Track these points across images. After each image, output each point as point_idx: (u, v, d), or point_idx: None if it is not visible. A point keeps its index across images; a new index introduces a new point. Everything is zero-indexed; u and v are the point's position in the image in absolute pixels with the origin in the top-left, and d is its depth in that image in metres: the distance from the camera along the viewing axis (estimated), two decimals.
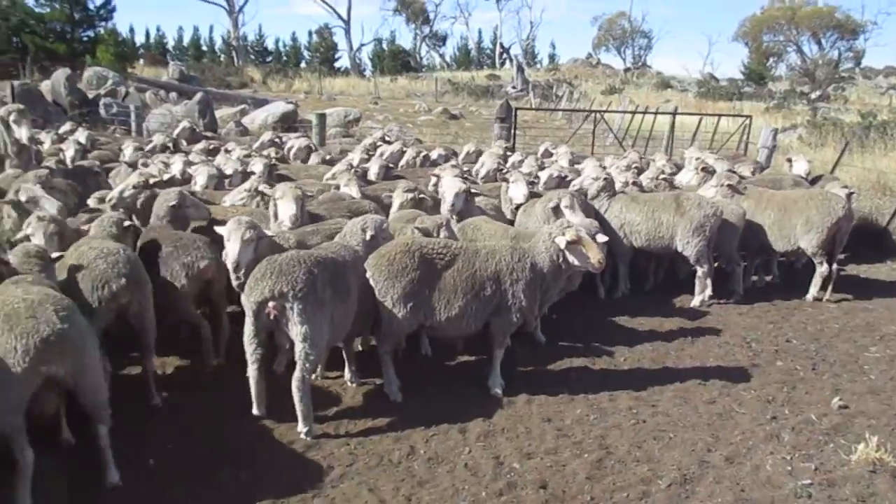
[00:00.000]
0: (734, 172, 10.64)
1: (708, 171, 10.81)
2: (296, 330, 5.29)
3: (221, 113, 23.31)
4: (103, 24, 49.56)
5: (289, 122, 22.24)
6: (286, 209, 6.78)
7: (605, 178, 8.97)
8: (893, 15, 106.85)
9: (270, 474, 4.95)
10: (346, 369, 6.38)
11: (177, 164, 8.63)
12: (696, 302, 8.77)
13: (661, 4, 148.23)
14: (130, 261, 5.49)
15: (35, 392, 4.17)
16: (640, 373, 6.84)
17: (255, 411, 5.63)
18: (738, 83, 61.54)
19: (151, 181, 7.09)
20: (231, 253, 5.71)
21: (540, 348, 7.33)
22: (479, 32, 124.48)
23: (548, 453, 5.29)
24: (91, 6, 47.71)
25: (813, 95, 52.63)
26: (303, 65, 67.85)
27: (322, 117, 15.03)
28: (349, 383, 6.35)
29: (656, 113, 22.51)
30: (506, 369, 6.46)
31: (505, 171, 9.99)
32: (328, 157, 12.47)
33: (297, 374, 5.32)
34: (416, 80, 56.64)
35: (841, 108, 40.90)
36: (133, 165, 9.28)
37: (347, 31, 72.25)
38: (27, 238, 5.85)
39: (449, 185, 7.95)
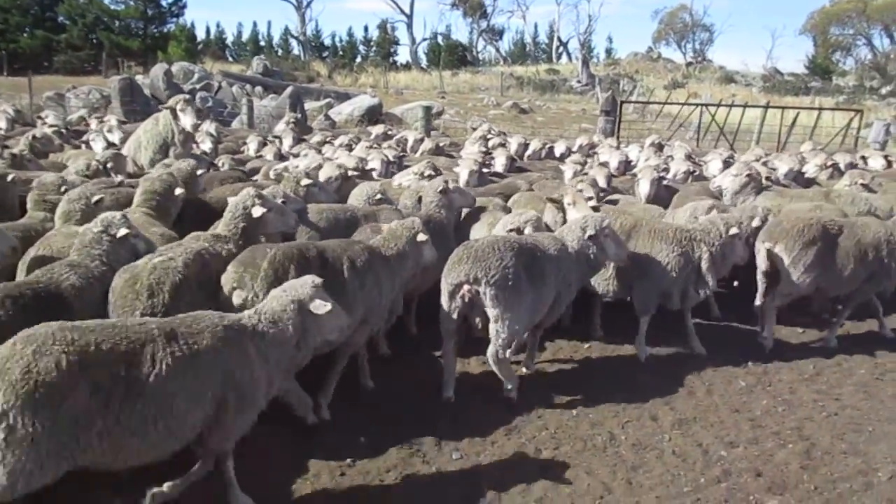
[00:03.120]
0: (858, 168, 10.51)
1: (836, 168, 10.67)
2: (489, 313, 5.47)
3: (306, 106, 23.64)
4: (174, 20, 50.73)
5: (374, 115, 22.48)
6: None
7: (747, 175, 8.87)
8: None
9: (483, 456, 5.08)
10: (527, 356, 6.50)
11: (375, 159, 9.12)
12: None
13: None
14: None
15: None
16: (809, 366, 6.79)
17: (444, 393, 5.78)
18: (803, 78, 60.19)
19: (350, 173, 7.35)
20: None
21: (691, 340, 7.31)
22: (536, 27, 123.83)
23: (750, 443, 5.33)
24: (164, 2, 48.75)
25: (883, 91, 51.29)
26: (358, 60, 68.16)
27: (428, 110, 15.24)
28: (524, 370, 6.46)
29: (765, 106, 21.95)
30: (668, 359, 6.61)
31: (634, 164, 10.01)
32: (442, 145, 12.70)
33: (491, 350, 5.57)
34: (477, 75, 56.64)
35: None
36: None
37: (410, 26, 72.45)
38: None
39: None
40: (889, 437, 5.44)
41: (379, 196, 7.09)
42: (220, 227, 5.59)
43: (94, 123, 12.27)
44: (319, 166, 7.45)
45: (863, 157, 12.03)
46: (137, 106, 18.79)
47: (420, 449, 5.16)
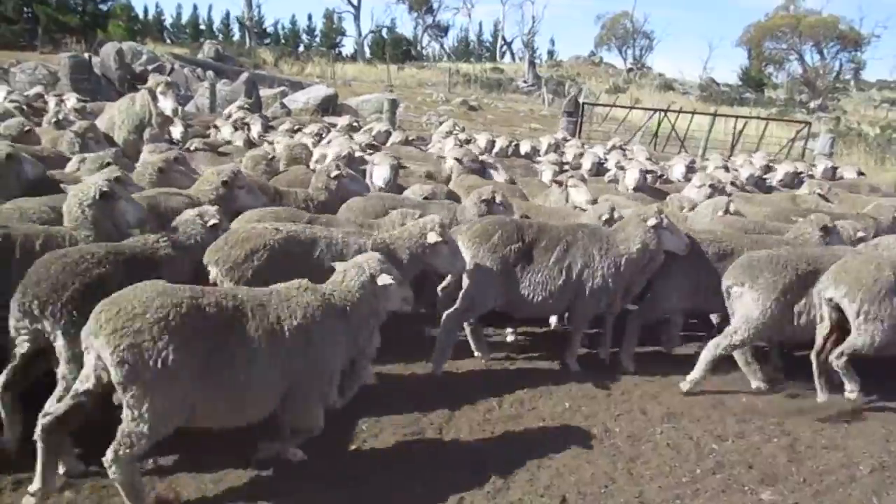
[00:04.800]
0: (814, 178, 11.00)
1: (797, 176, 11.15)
2: None
3: (261, 93, 23.25)
4: None
5: (329, 106, 22.27)
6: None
7: (710, 185, 9.16)
8: (891, 28, 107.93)
9: (485, 444, 5.19)
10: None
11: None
12: None
13: (663, 6, 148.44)
14: None
15: None
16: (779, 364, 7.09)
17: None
18: (738, 89, 62.13)
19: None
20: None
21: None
22: (480, 25, 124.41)
23: (738, 437, 5.56)
24: None
25: (812, 105, 53.42)
26: (301, 48, 67.03)
27: (394, 103, 15.21)
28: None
29: (713, 114, 22.61)
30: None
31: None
32: (411, 139, 12.80)
33: None
34: (423, 70, 56.58)
35: (841, 119, 41.61)
36: None
37: (357, 18, 71.60)
38: None
39: None
40: (865, 433, 5.74)
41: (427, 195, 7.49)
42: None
43: (52, 101, 11.83)
44: (349, 155, 7.41)
45: (813, 165, 12.67)
46: (90, 85, 18.20)
47: (422, 437, 5.24)
